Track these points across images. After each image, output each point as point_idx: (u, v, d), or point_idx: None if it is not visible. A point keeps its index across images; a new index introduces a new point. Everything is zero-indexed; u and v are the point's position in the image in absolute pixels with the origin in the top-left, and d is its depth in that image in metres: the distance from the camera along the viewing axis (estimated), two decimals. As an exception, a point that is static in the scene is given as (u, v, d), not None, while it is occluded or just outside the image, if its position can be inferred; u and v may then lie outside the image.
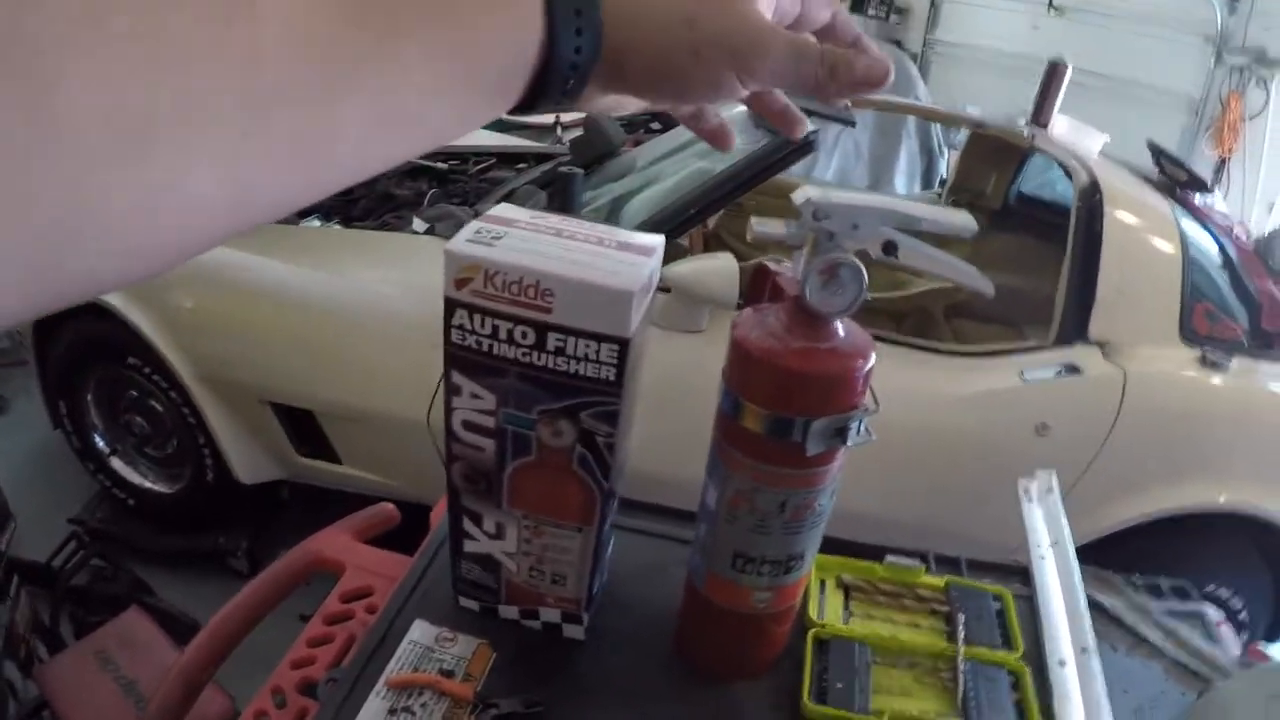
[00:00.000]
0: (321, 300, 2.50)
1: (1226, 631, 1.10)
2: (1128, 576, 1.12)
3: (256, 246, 2.58)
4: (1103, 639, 0.99)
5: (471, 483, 0.82)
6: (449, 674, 0.84)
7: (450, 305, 0.72)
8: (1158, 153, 3.11)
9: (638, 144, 3.44)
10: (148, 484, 2.99)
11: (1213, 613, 1.12)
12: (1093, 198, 2.52)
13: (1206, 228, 2.80)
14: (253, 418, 2.67)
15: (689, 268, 2.29)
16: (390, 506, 1.31)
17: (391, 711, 0.80)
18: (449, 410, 0.78)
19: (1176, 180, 2.98)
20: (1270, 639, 2.80)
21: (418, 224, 2.65)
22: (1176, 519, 2.49)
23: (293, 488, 2.91)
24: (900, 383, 2.29)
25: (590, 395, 0.73)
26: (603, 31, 0.46)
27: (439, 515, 1.03)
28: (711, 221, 3.28)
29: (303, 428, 2.66)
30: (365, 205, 2.93)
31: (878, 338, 2.30)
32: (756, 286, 0.83)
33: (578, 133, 3.47)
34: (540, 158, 3.48)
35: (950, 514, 2.44)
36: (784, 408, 0.71)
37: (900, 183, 5.12)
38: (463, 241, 0.72)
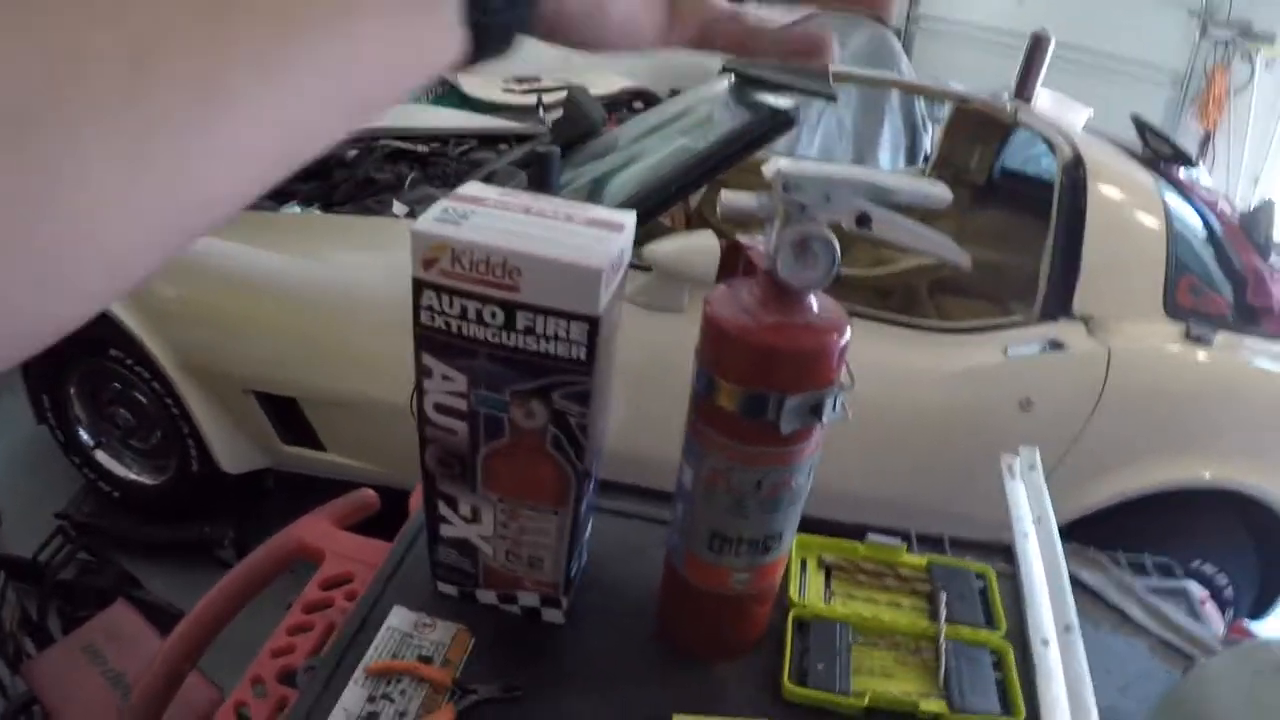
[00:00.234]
0: (302, 287, 2.49)
1: (1211, 609, 1.09)
2: (1112, 554, 1.11)
3: (237, 234, 2.56)
4: (1086, 617, 0.99)
5: (446, 466, 0.81)
6: (427, 660, 0.84)
7: (418, 286, 0.71)
8: (1142, 127, 3.10)
9: (619, 123, 3.42)
10: (133, 476, 2.98)
11: (1197, 590, 1.11)
12: (1076, 172, 2.51)
13: (1191, 202, 2.79)
14: (236, 407, 2.65)
15: (670, 246, 2.28)
16: (370, 493, 1.30)
17: (370, 699, 0.79)
18: (421, 393, 0.77)
19: (1161, 154, 2.97)
20: (1255, 616, 2.81)
21: (398, 207, 2.63)
22: (1162, 495, 2.49)
23: (278, 476, 2.90)
24: (884, 359, 2.28)
25: (561, 375, 0.72)
26: None
27: (418, 500, 1.02)
28: (694, 199, 3.27)
29: (286, 415, 2.65)
30: (345, 190, 2.92)
31: (861, 314, 2.32)
32: (729, 262, 0.82)
33: (559, 114, 3.46)
34: (521, 138, 3.46)
35: (935, 491, 2.43)
36: (758, 385, 0.70)
37: (884, 158, 5.10)
38: (430, 220, 0.71)
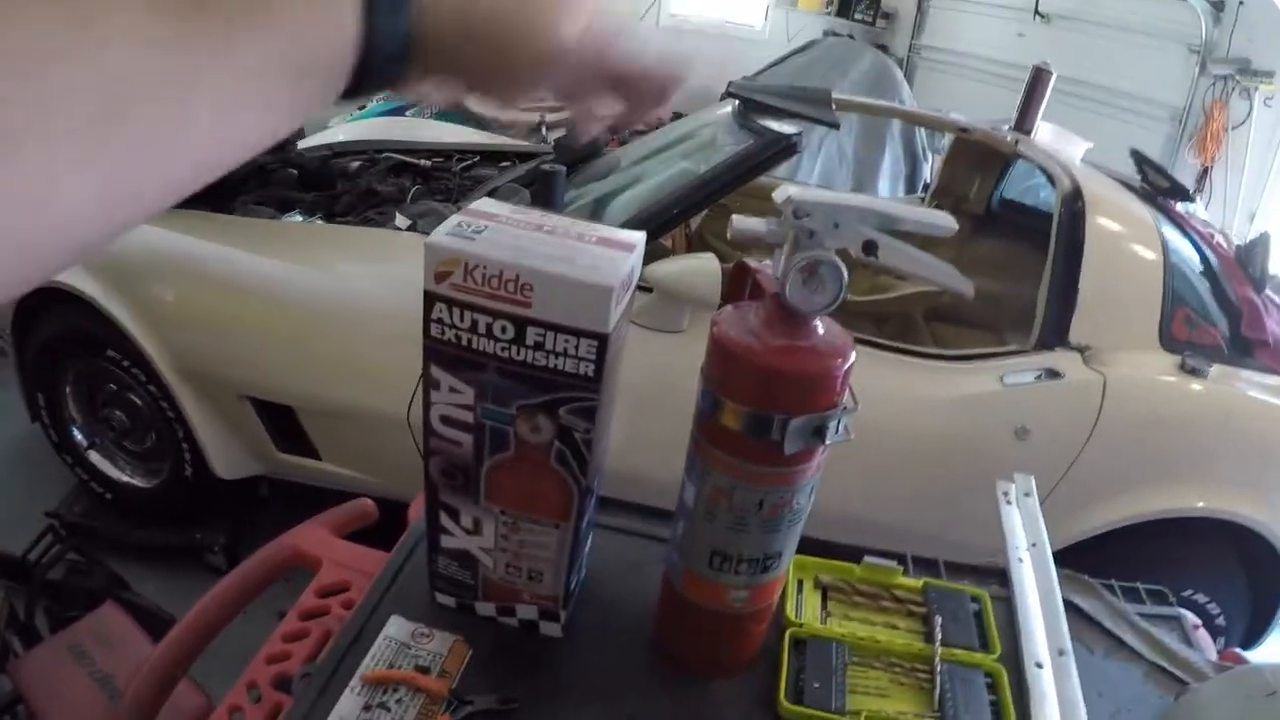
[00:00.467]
0: (303, 296, 2.49)
1: (1203, 636, 1.10)
2: (1105, 581, 1.12)
3: (239, 241, 2.57)
4: (1080, 641, 1.00)
5: (449, 478, 0.82)
6: (424, 670, 0.84)
7: (430, 299, 0.72)
8: (1141, 160, 3.12)
9: (622, 144, 3.44)
10: (125, 478, 2.97)
11: (1190, 617, 1.12)
12: (1075, 203, 2.52)
13: (1188, 235, 2.81)
14: (232, 413, 2.65)
15: (671, 268, 2.29)
16: (368, 502, 1.30)
17: (366, 708, 0.80)
18: (427, 404, 0.78)
19: (1159, 188, 2.99)
20: (1246, 645, 2.81)
21: (400, 220, 2.64)
22: (1154, 524, 2.50)
23: (272, 484, 2.89)
24: (881, 386, 2.29)
25: (569, 390, 0.73)
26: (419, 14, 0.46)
27: (417, 511, 1.03)
28: (694, 222, 3.28)
29: (282, 423, 2.65)
30: (348, 201, 2.93)
31: (859, 340, 2.32)
32: (736, 284, 0.83)
33: (562, 132, 3.47)
34: (524, 156, 3.47)
35: (930, 516, 2.44)
36: (762, 405, 0.71)
37: (884, 186, 5.13)
38: (443, 235, 0.71)
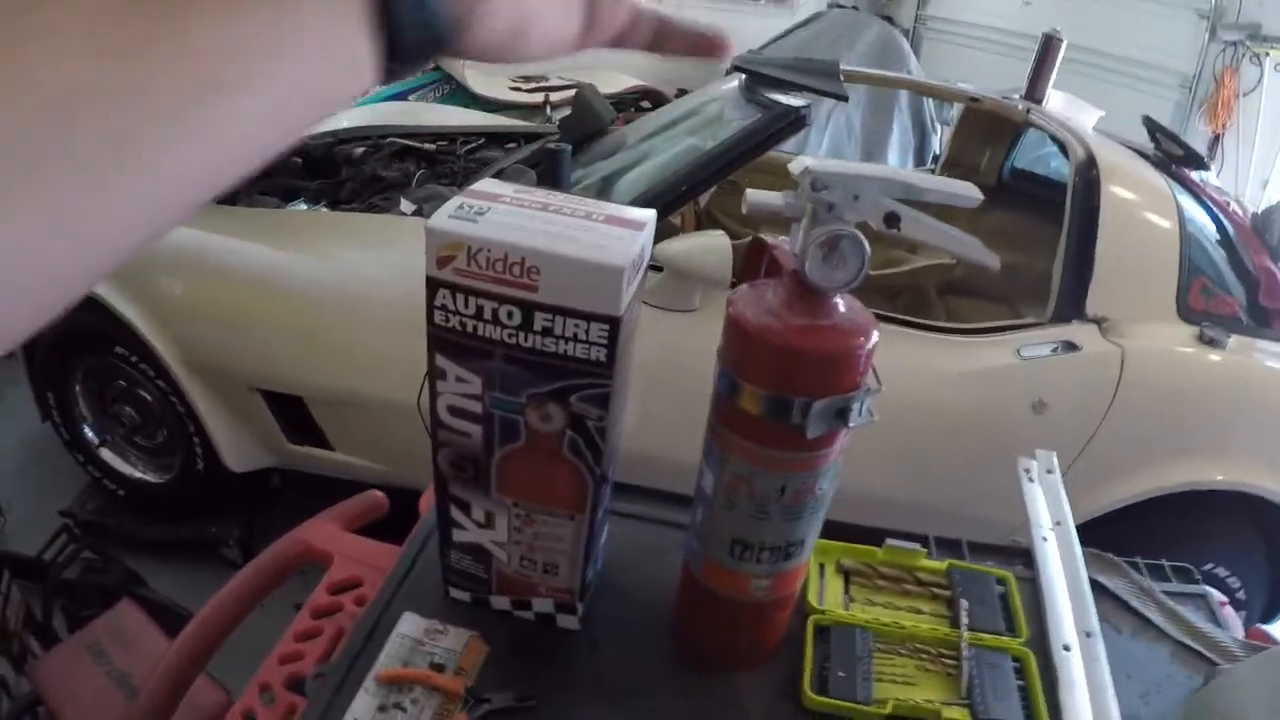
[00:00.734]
0: (309, 284, 2.47)
1: (1230, 614, 1.08)
2: (1130, 559, 1.10)
3: (244, 231, 2.55)
4: (1107, 622, 0.98)
5: (459, 470, 0.79)
6: (439, 668, 0.82)
7: (432, 285, 0.69)
8: (1154, 128, 3.08)
9: (627, 122, 3.41)
10: (138, 474, 2.97)
11: (1215, 594, 1.10)
12: (1089, 173, 2.49)
13: (1203, 204, 2.77)
14: (242, 405, 2.64)
15: (681, 246, 2.26)
16: (378, 494, 1.29)
17: (381, 708, 0.78)
18: (434, 395, 0.75)
19: (1172, 156, 2.95)
20: (1266, 619, 2.79)
21: (405, 205, 2.62)
22: (1173, 497, 2.47)
23: (284, 475, 2.88)
24: (896, 361, 2.26)
25: (580, 377, 0.70)
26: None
27: (428, 502, 1.01)
28: (703, 199, 3.25)
29: (293, 414, 2.63)
30: (352, 187, 2.90)
31: (875, 315, 2.30)
32: (752, 261, 0.80)
33: (567, 112, 3.45)
34: (529, 137, 3.45)
35: (948, 492, 2.42)
36: (783, 388, 0.68)
37: (893, 159, 5.10)
38: (445, 218, 0.69)
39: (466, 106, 4.11)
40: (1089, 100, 3.14)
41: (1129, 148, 2.94)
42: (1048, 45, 3.11)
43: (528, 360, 0.70)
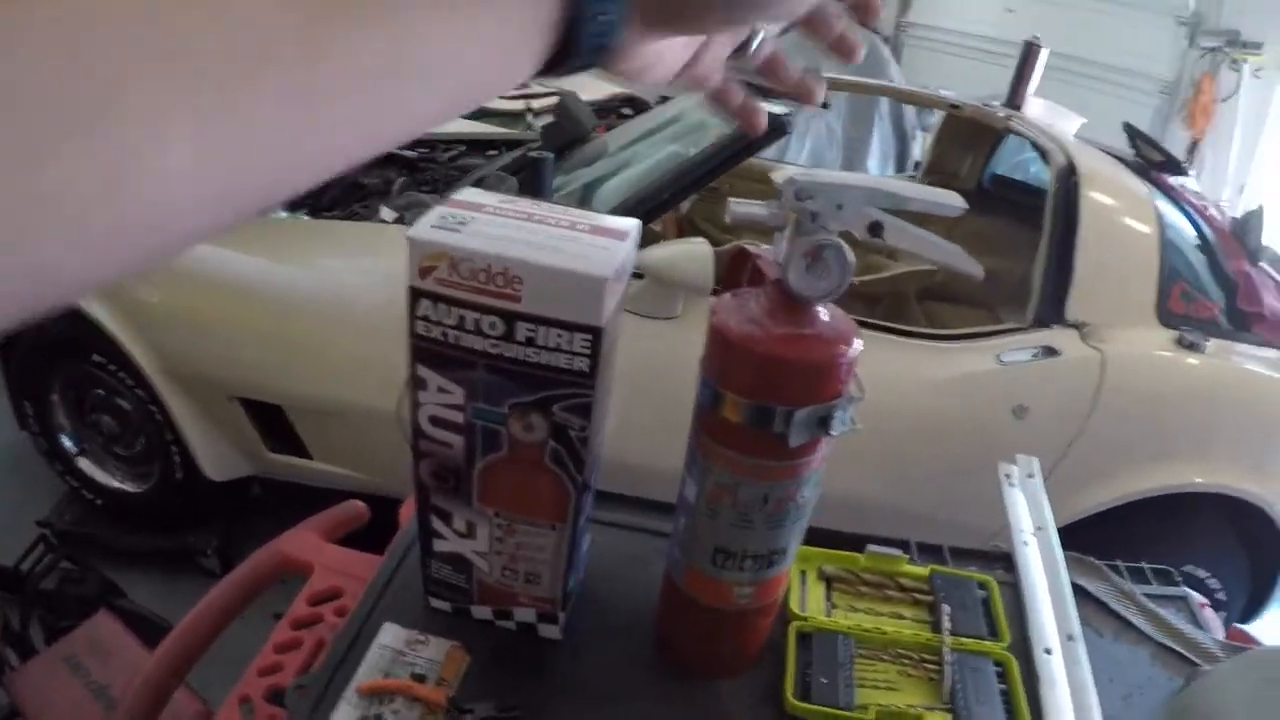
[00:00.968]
0: (289, 292, 2.46)
1: (1210, 615, 1.08)
2: (1111, 562, 1.11)
3: (223, 238, 2.54)
4: (1088, 625, 0.98)
5: (440, 480, 0.79)
6: (421, 679, 0.81)
7: (414, 295, 0.69)
8: (1133, 134, 3.11)
9: (609, 129, 3.41)
10: (116, 484, 2.95)
11: (1195, 595, 1.10)
12: (1069, 179, 2.50)
13: (1182, 209, 2.80)
14: (221, 414, 2.62)
15: (663, 253, 2.26)
16: (359, 504, 1.28)
17: (363, 719, 0.77)
18: (415, 405, 0.75)
19: (1152, 161, 2.97)
20: (1245, 619, 2.81)
21: (386, 213, 2.61)
22: (1153, 500, 2.49)
23: (264, 484, 2.87)
24: (877, 367, 2.25)
25: (562, 387, 0.70)
26: None
27: (408, 512, 1.00)
28: (685, 206, 3.25)
29: (272, 423, 2.62)
30: (333, 195, 2.89)
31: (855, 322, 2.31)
32: (734, 270, 0.80)
33: (549, 119, 3.44)
34: (511, 144, 3.44)
35: (930, 498, 2.43)
36: (765, 397, 0.68)
37: (873, 165, 5.11)
38: (427, 227, 0.68)
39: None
40: (1070, 107, 3.16)
41: (1109, 154, 2.96)
42: (1028, 52, 3.13)
43: (510, 370, 0.70)
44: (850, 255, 0.65)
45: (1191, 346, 2.43)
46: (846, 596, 0.97)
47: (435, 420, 0.75)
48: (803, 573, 0.98)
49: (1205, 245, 2.71)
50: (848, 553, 1.01)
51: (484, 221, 0.70)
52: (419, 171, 3.15)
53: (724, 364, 0.70)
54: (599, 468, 0.84)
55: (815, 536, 0.99)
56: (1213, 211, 2.92)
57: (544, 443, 0.74)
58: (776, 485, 0.72)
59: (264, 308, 2.46)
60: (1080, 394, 2.37)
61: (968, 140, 3.57)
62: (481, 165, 3.15)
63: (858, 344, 0.69)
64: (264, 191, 0.34)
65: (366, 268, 2.45)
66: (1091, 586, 1.06)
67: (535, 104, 4.36)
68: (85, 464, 2.94)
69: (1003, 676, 0.88)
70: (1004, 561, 1.06)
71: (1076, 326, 2.41)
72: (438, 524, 0.83)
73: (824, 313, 0.70)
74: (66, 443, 2.94)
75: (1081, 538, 2.35)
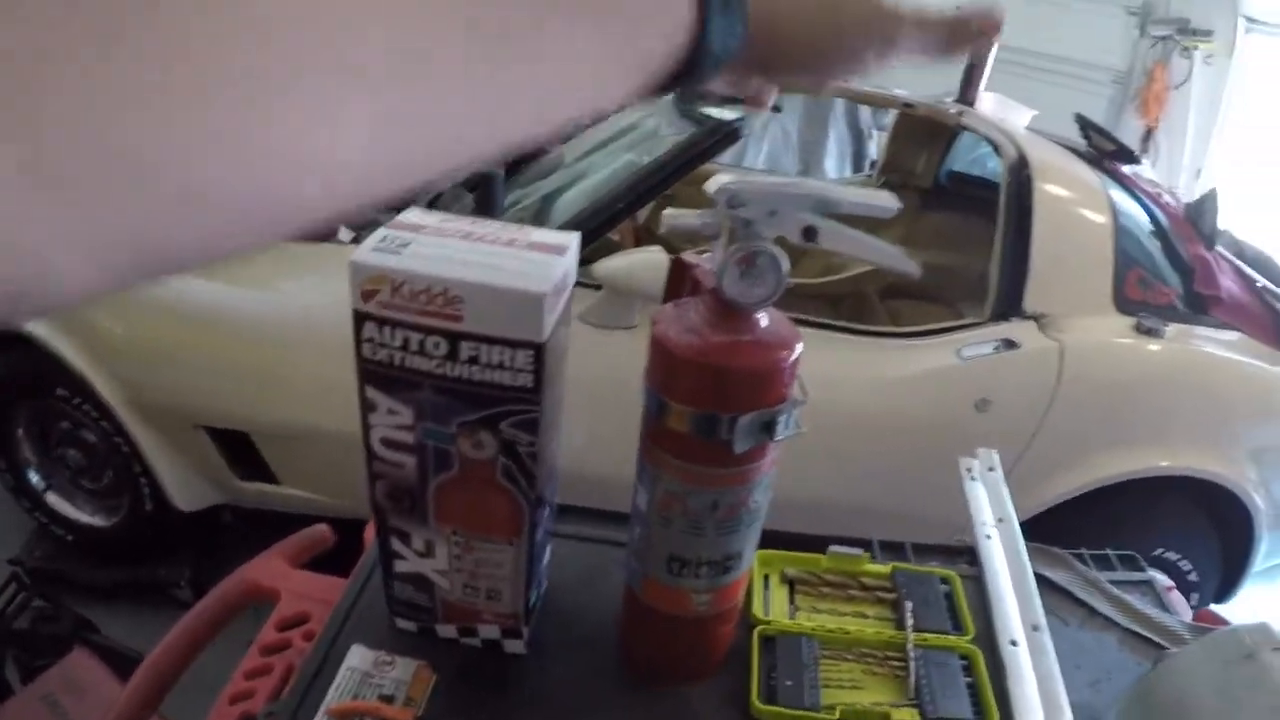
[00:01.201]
0: (249, 317, 2.45)
1: (1177, 598, 1.10)
2: (1075, 550, 1.12)
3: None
4: (1053, 614, 0.99)
5: (396, 501, 0.79)
6: (389, 699, 0.81)
7: (359, 318, 0.70)
8: (1085, 125, 3.14)
9: (564, 140, 3.41)
10: (85, 518, 2.91)
11: (1162, 580, 1.12)
12: (1021, 172, 2.53)
13: (1136, 197, 2.83)
14: (187, 443, 2.60)
15: (619, 263, 2.26)
16: (324, 528, 1.28)
17: (332, 742, 0.77)
18: (366, 428, 0.75)
19: (1104, 151, 3.00)
20: (1219, 599, 2.84)
21: (344, 233, 2.60)
22: (1122, 485, 2.51)
23: (234, 511, 2.85)
24: (838, 368, 2.28)
25: (509, 404, 0.71)
26: (749, 17, 0.47)
27: (372, 534, 1.00)
28: (642, 214, 3.26)
29: (239, 450, 2.60)
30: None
31: (813, 323, 2.32)
32: (675, 281, 0.81)
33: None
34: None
35: (896, 495, 2.44)
36: (708, 405, 0.69)
37: (831, 166, 5.13)
38: (368, 251, 0.69)
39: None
40: (1025, 99, 3.18)
41: (1061, 145, 2.98)
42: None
43: (456, 390, 0.70)
44: (784, 261, 0.66)
45: (1150, 332, 2.45)
46: (809, 598, 0.98)
47: (386, 442, 0.75)
48: (765, 576, 0.99)
49: (1160, 232, 2.74)
50: (810, 555, 1.01)
51: (424, 242, 0.70)
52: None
53: (666, 374, 0.71)
54: (555, 481, 0.85)
55: (777, 540, 1.00)
56: (1167, 198, 2.95)
57: (494, 460, 0.74)
58: (726, 491, 0.73)
59: (224, 334, 2.45)
60: (1041, 385, 2.39)
61: (922, 138, 3.59)
62: (436, 181, 3.14)
63: (798, 348, 0.70)
64: (423, 170, 0.38)
65: (326, 289, 2.43)
66: (1056, 576, 1.07)
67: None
68: (53, 499, 2.91)
69: (968, 670, 0.89)
70: (968, 555, 1.07)
71: (1035, 318, 2.43)
72: (397, 544, 0.83)
73: (763, 318, 0.70)
74: (33, 478, 2.90)
75: (1053, 525, 2.37)
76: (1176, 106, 6.55)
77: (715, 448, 0.69)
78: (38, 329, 2.48)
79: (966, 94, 3.15)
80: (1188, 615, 1.06)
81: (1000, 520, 1.08)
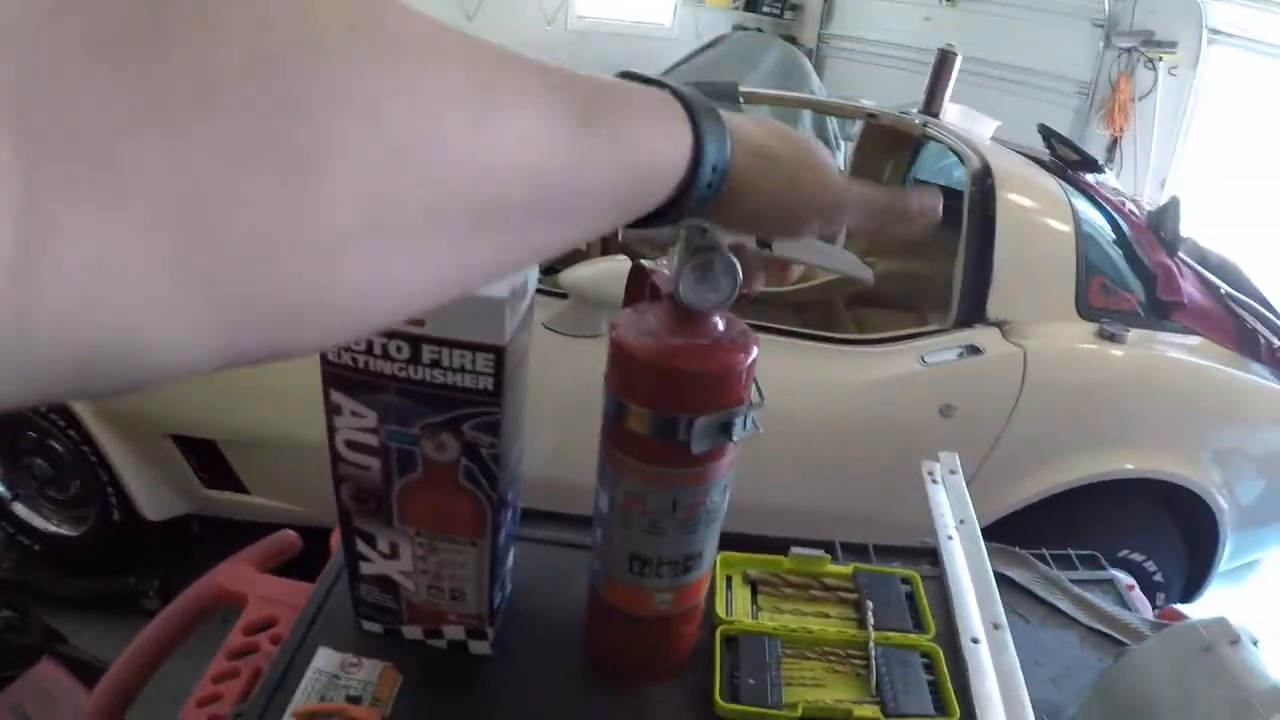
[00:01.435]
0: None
1: (1138, 596, 1.11)
2: (1036, 550, 1.13)
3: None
4: (1014, 613, 1.01)
5: (361, 503, 0.80)
6: (356, 700, 0.82)
7: (323, 322, 0.70)
8: (1049, 135, 3.17)
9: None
10: (53, 528, 2.89)
11: (1123, 578, 1.13)
12: (984, 181, 2.55)
13: (1099, 206, 2.86)
14: (155, 452, 2.59)
15: (585, 272, 2.27)
16: (291, 534, 1.28)
17: (298, 744, 0.78)
18: (331, 430, 0.76)
19: (1068, 161, 3.04)
20: (1186, 600, 2.87)
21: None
22: (1087, 488, 2.53)
23: (203, 521, 2.83)
24: (804, 374, 2.29)
25: (470, 406, 0.72)
26: (729, 173, 0.53)
27: (338, 539, 1.01)
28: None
29: (206, 459, 2.59)
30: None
31: (779, 330, 2.33)
32: (635, 288, 0.82)
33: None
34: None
35: (862, 500, 2.45)
36: (666, 407, 0.70)
37: (801, 177, 5.15)
38: (332, 257, 0.70)
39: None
40: (991, 110, 3.22)
41: (1025, 155, 3.02)
42: (943, 60, 3.19)
43: (419, 392, 0.72)
44: (739, 266, 0.67)
45: (1112, 338, 2.48)
46: (772, 599, 0.99)
47: (351, 444, 0.76)
48: (728, 578, 1.00)
49: (1123, 239, 2.77)
50: (773, 556, 1.03)
51: (388, 248, 0.71)
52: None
53: (625, 377, 0.72)
54: (518, 484, 0.86)
55: (740, 542, 1.01)
56: (1130, 207, 2.99)
57: (456, 461, 0.75)
58: (685, 491, 0.74)
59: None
60: (1005, 390, 2.41)
61: (888, 148, 3.61)
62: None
63: (754, 351, 0.71)
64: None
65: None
66: (1017, 575, 1.09)
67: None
68: (20, 509, 2.88)
69: (930, 668, 0.91)
70: (929, 556, 1.09)
71: (998, 325, 2.46)
72: (363, 546, 0.84)
73: (720, 322, 0.72)
74: (0, 489, 2.88)
75: (1018, 528, 2.38)
76: (1141, 117, 6.64)
77: (674, 449, 0.71)
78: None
79: (931, 105, 3.18)
80: (1149, 613, 1.08)
81: (962, 522, 1.10)
